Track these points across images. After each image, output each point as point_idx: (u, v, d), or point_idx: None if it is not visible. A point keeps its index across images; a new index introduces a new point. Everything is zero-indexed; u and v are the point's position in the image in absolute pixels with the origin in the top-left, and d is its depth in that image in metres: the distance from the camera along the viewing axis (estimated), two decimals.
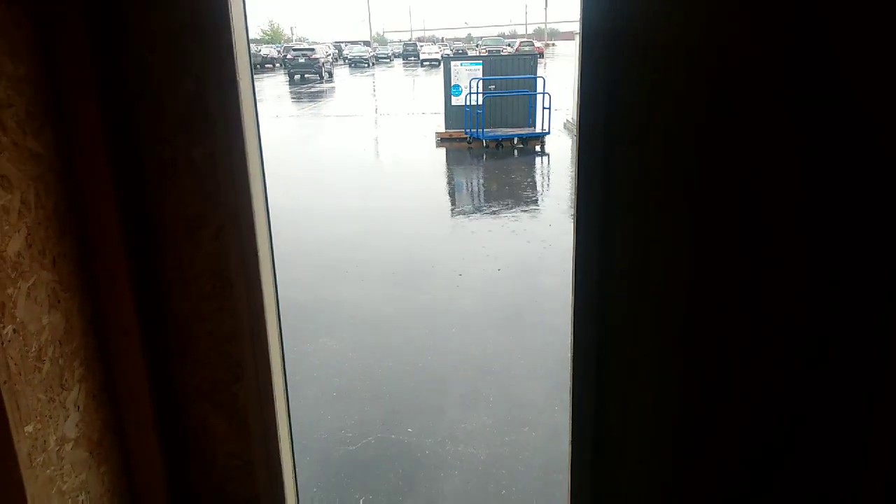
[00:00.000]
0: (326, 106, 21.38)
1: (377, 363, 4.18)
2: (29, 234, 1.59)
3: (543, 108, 12.14)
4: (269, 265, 2.00)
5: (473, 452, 3.21)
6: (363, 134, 14.86)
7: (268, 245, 1.98)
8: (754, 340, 1.81)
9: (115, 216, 1.80)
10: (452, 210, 8.34)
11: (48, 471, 1.62)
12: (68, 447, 1.71)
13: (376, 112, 19.12)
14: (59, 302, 1.69)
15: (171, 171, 1.88)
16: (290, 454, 2.17)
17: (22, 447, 1.42)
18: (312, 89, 27.46)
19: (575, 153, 1.79)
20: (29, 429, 1.56)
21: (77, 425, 1.75)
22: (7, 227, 1.50)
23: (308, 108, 20.81)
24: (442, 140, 12.95)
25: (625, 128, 1.70)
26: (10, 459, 1.40)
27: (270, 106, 21.12)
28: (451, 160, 11.59)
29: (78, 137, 1.74)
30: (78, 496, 1.75)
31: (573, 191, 1.81)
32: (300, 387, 3.88)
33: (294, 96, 24.85)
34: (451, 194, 9.28)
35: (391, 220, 7.59)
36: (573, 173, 1.79)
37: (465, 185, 9.87)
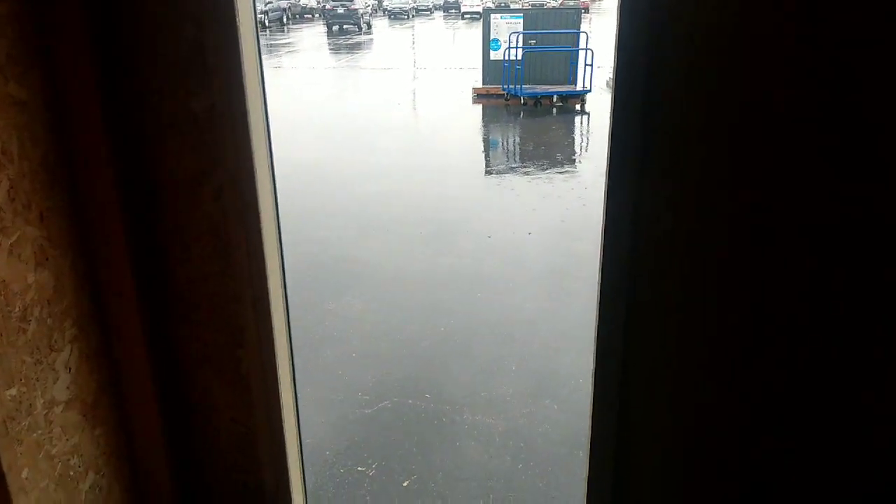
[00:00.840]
0: (364, 58, 21.06)
1: (399, 325, 4.09)
2: (11, 187, 1.48)
3: (586, 64, 11.69)
4: (274, 228, 1.88)
5: (491, 423, 3.11)
6: (398, 88, 14.58)
7: (272, 207, 1.86)
8: (788, 328, 1.63)
9: (109, 171, 1.69)
10: (485, 169, 8.13)
11: (34, 434, 1.56)
12: (58, 410, 1.64)
13: (413, 66, 18.75)
14: (47, 259, 1.60)
15: (169, 125, 1.76)
16: (294, 422, 2.08)
17: None
18: (350, 41, 27.05)
19: (611, 109, 1.60)
20: (12, 392, 1.49)
21: (68, 388, 1.68)
22: None
23: (345, 59, 20.52)
24: (479, 96, 12.63)
25: (666, 83, 1.51)
26: None
27: (307, 57, 20.89)
28: (486, 117, 11.30)
29: (67, 85, 1.61)
30: (69, 459, 1.69)
31: None
32: (320, 346, 3.82)
33: (332, 48, 24.52)
34: (485, 153, 9.05)
35: (421, 178, 7.43)
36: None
37: (499, 143, 9.62)
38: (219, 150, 1.75)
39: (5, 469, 1.37)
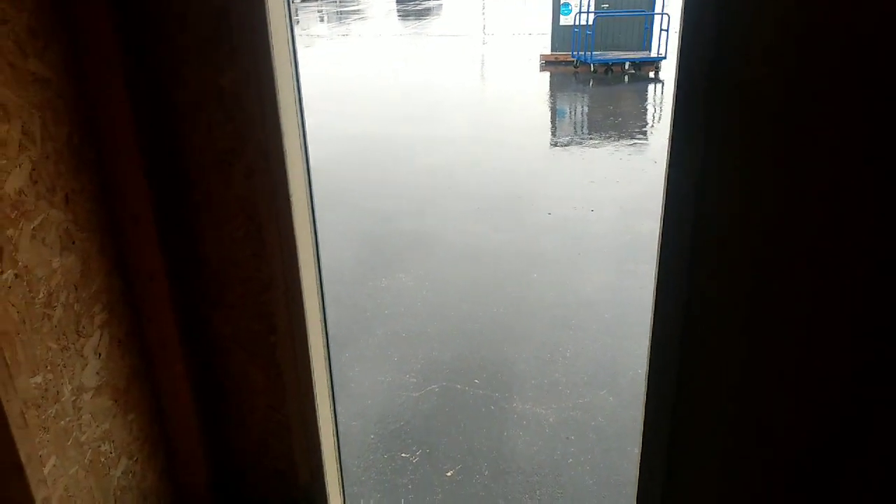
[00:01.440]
0: (432, 24, 20.77)
1: (451, 304, 3.98)
2: (34, 169, 1.43)
3: (661, 29, 11.09)
4: (306, 209, 1.78)
5: (542, 413, 2.98)
6: (465, 56, 14.29)
7: (304, 187, 1.76)
8: (886, 338, 1.41)
9: (136, 150, 1.62)
10: (550, 141, 7.85)
11: (62, 422, 1.53)
12: (87, 396, 1.61)
13: (482, 32, 18.35)
14: (73, 243, 1.55)
15: (197, 101, 1.67)
16: (330, 411, 2.01)
17: (13, 406, 1.31)
18: (419, 6, 26.73)
19: (675, 77, 1.40)
20: (37, 379, 1.45)
21: (98, 373, 1.65)
22: (4, 162, 1.35)
23: (413, 26, 20.30)
24: (546, 63, 12.22)
25: (739, 48, 1.30)
26: (1, 417, 1.29)
27: (375, 24, 20.78)
28: (554, 85, 10.92)
29: (91, 60, 1.54)
30: (100, 446, 1.67)
31: None
32: (369, 324, 3.77)
33: (401, 14, 24.31)
34: (551, 124, 8.74)
35: (482, 150, 7.24)
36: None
37: (566, 113, 9.27)
38: (247, 128, 1.65)
39: (24, 460, 1.34)
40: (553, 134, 8.19)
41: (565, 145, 7.56)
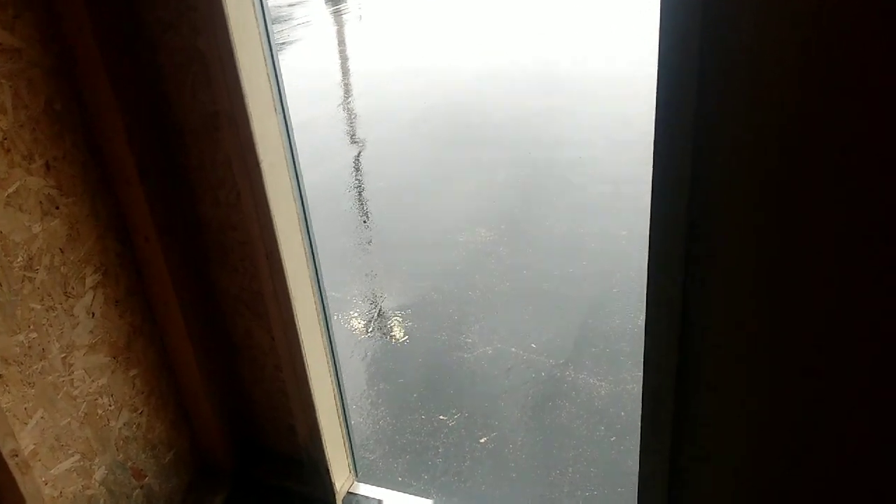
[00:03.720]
0: None
1: (527, 265, 3.81)
2: (5, 139, 1.48)
3: None
4: (285, 173, 1.72)
5: (594, 384, 2.79)
6: None
7: (282, 148, 1.69)
8: None
9: (119, 112, 1.63)
10: None
11: (49, 377, 1.63)
12: (79, 353, 1.70)
13: None
14: (57, 208, 1.61)
15: (179, 63, 1.65)
16: (328, 372, 1.99)
17: None
18: None
19: None
20: (20, 338, 1.55)
21: (91, 332, 1.73)
22: None
23: None
24: None
25: None
26: None
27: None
28: None
29: (67, 26, 1.55)
30: (97, 399, 1.76)
31: None
32: (439, 279, 3.70)
33: None
34: None
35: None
36: None
37: None
38: (220, 90, 1.61)
39: (5, 409, 1.45)
40: None
41: None
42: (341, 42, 9.12)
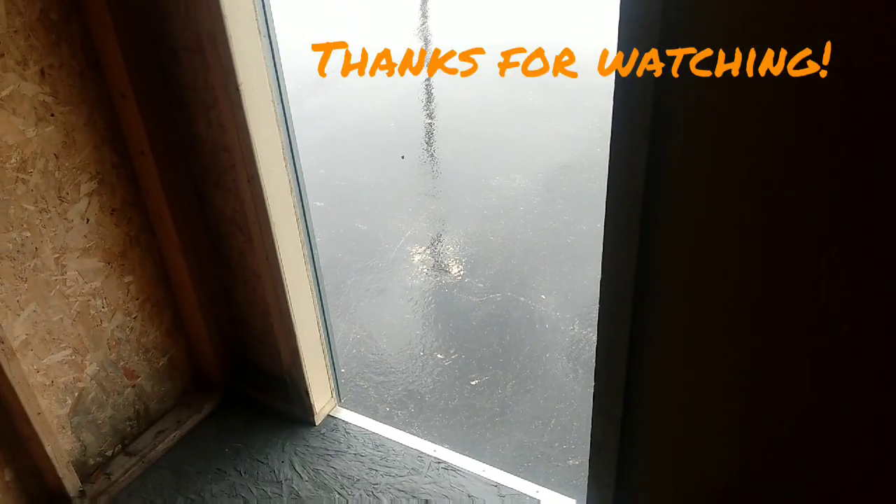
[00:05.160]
0: None
1: (558, 215, 3.73)
2: None
3: None
4: (268, 98, 1.72)
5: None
6: None
7: (265, 73, 1.69)
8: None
9: (112, 25, 1.67)
10: None
11: (42, 275, 1.74)
12: (72, 256, 1.80)
13: None
14: (52, 116, 1.68)
15: None
16: (312, 304, 2.04)
17: None
18: None
19: None
20: (13, 235, 1.65)
21: (86, 237, 1.82)
22: None
23: None
24: None
25: None
26: None
27: None
28: None
29: None
30: (90, 301, 1.87)
31: None
32: (466, 222, 3.69)
33: None
34: None
35: None
36: None
37: None
38: (196, 13, 1.61)
39: None
40: None
41: None
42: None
